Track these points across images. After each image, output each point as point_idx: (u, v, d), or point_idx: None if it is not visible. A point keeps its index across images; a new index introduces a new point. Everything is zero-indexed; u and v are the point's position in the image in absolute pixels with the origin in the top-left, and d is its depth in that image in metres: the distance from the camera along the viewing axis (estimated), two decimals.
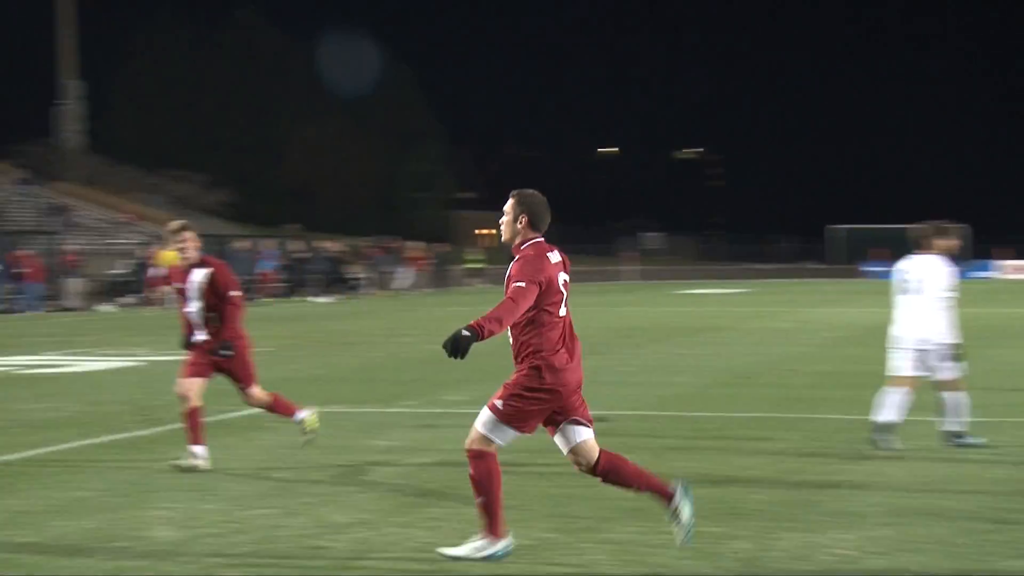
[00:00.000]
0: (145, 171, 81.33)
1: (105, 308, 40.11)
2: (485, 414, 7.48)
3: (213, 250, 49.13)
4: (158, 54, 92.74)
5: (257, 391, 11.26)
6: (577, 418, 7.53)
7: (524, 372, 7.42)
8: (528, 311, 7.33)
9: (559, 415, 7.53)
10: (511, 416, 7.42)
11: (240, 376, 11.16)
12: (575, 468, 7.64)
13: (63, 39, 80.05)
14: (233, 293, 11.01)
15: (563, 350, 7.46)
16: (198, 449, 10.91)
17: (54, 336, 27.91)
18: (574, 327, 7.61)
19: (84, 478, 10.58)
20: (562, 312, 7.50)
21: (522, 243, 7.53)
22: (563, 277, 7.53)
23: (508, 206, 7.59)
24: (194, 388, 10.95)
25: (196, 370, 11.01)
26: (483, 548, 7.54)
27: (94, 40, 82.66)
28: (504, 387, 7.47)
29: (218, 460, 11.11)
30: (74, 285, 41.57)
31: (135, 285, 43.75)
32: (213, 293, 11.00)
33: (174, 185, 79.67)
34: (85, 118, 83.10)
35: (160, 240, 44.23)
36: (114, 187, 78.41)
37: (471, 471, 7.48)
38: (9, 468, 11.15)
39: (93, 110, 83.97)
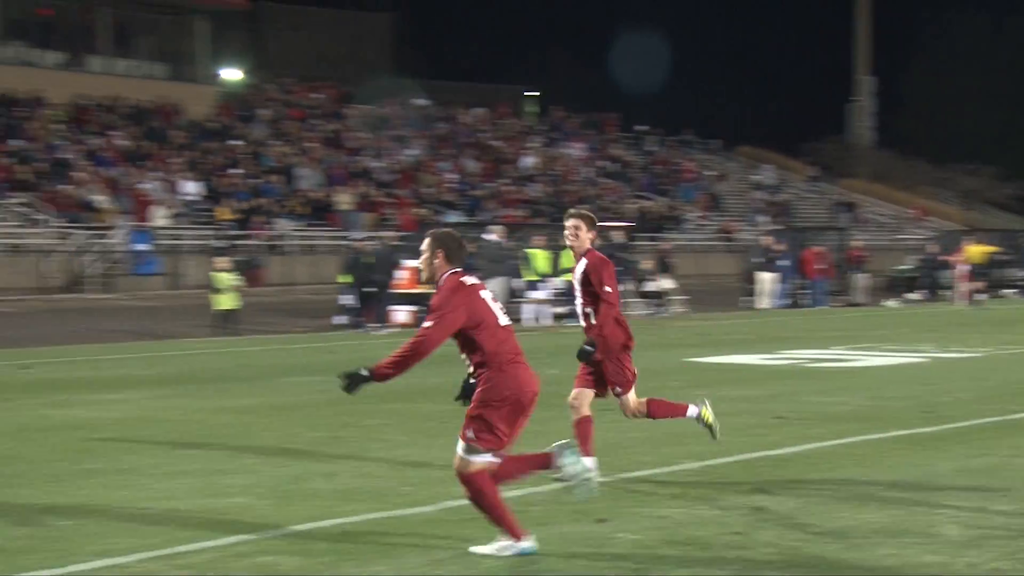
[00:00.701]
0: (934, 165, 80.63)
1: (891, 304, 40.19)
2: (461, 444, 7.84)
3: (1008, 244, 47.77)
4: (951, 44, 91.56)
5: (631, 399, 10.48)
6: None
7: (482, 389, 7.83)
8: (469, 333, 7.82)
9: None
10: (483, 440, 7.81)
11: (613, 380, 10.40)
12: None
13: (860, 36, 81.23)
14: (607, 289, 10.27)
15: (514, 358, 7.92)
16: (587, 460, 10.49)
17: (841, 331, 28.32)
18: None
19: (871, 471, 10.64)
20: (503, 323, 7.98)
21: (441, 276, 7.96)
22: (488, 294, 8.03)
23: (424, 245, 8.04)
24: (581, 398, 10.41)
25: (583, 380, 10.47)
26: (509, 547, 7.89)
27: (888, 35, 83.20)
28: (468, 416, 7.84)
29: (1009, 461, 10.78)
30: (861, 281, 41.98)
31: (923, 281, 43.51)
32: (588, 288, 10.40)
33: (963, 179, 78.32)
34: (875, 114, 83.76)
35: (962, 235, 43.64)
36: (902, 182, 78.40)
37: (467, 493, 7.90)
38: (794, 458, 11.43)
39: (884, 105, 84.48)
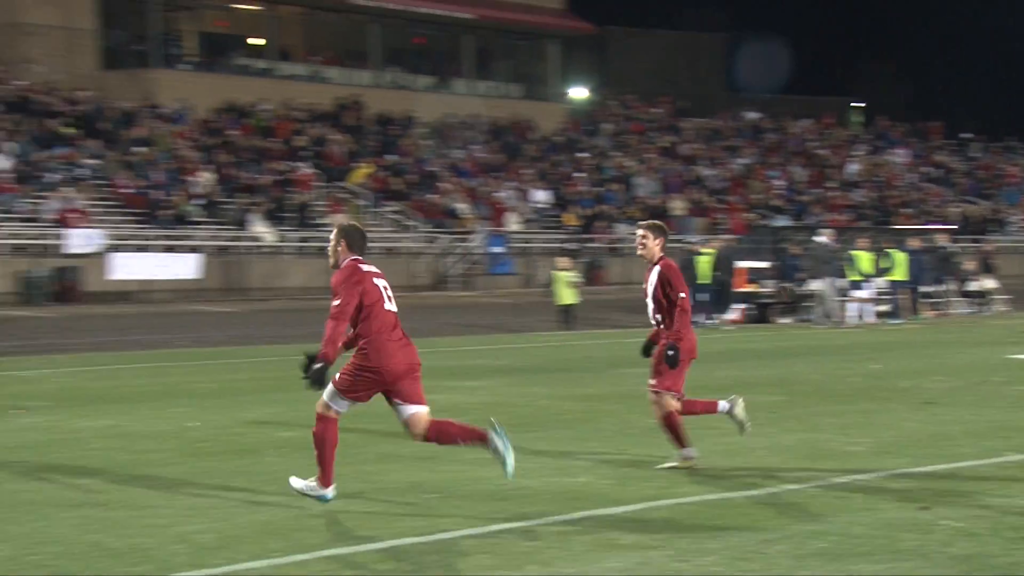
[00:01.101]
0: None
1: None
2: (328, 386, 8.55)
3: None
4: None
5: (668, 402, 10.12)
6: (402, 400, 8.61)
7: (356, 355, 8.56)
8: (360, 314, 8.48)
9: (392, 395, 8.61)
10: (344, 388, 8.56)
11: (659, 371, 10.13)
12: (413, 439, 8.79)
13: None
14: (681, 295, 10.04)
15: (387, 338, 8.52)
16: (685, 451, 10.12)
17: None
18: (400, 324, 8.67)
19: None
20: (386, 307, 8.62)
21: (342, 262, 8.67)
22: (382, 282, 8.70)
23: (332, 236, 8.78)
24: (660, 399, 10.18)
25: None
26: (314, 489, 8.67)
27: None
28: (344, 366, 8.59)
29: None
30: None
31: None
32: (663, 294, 10.10)
33: None
34: None
35: None
36: None
37: (314, 428, 8.66)
38: None
39: None
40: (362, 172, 47.95)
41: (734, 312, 29.79)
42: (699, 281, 28.73)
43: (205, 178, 43.63)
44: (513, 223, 48.45)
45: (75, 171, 41.62)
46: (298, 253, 42.68)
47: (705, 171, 59.00)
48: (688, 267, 29.42)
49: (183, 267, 39.09)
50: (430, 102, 56.08)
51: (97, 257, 37.66)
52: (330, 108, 52.61)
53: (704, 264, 28.86)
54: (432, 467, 10.42)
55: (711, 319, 28.70)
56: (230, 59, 53.84)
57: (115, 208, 41.30)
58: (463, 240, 46.18)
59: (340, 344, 8.47)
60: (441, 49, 60.21)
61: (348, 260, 8.70)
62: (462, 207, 48.10)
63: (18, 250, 37.57)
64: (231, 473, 10.21)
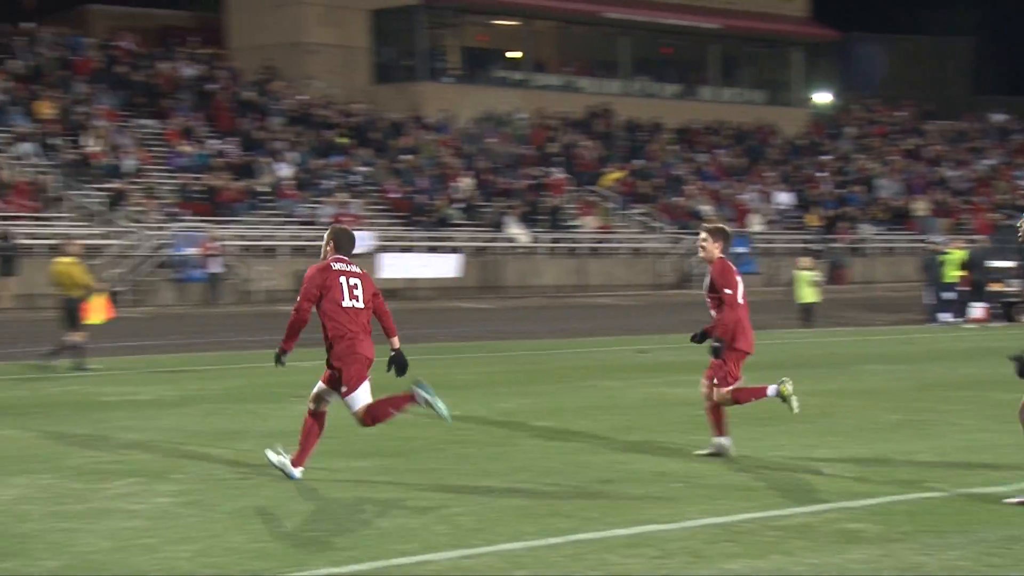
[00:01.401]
0: None
1: None
2: (348, 400, 9.11)
3: None
4: None
5: (722, 393, 10.26)
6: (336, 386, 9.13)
7: (334, 353, 9.04)
8: (320, 308, 9.03)
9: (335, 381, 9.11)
10: (354, 385, 9.08)
11: (713, 373, 10.22)
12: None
13: None
14: (727, 291, 10.02)
15: (350, 328, 9.01)
16: (720, 440, 10.29)
17: None
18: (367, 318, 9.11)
19: None
20: (346, 304, 9.02)
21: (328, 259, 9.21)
22: (352, 281, 9.07)
23: (325, 235, 9.31)
24: (705, 386, 10.33)
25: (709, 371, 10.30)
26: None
27: None
28: (342, 379, 9.07)
29: None
30: None
31: None
32: (713, 291, 10.18)
33: None
34: None
35: None
36: None
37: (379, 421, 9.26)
38: None
39: None
40: (611, 176, 48.05)
41: (979, 311, 28.68)
42: (943, 280, 27.82)
43: (465, 183, 44.44)
44: (756, 224, 47.77)
45: (348, 178, 42.97)
46: (550, 253, 43.05)
47: (949, 172, 56.99)
48: (931, 267, 28.51)
49: (444, 266, 39.88)
50: (676, 109, 55.78)
51: (367, 257, 38.71)
52: (581, 116, 52.87)
53: (949, 264, 27.93)
54: (679, 457, 10.35)
55: (957, 318, 27.75)
56: (489, 72, 54.68)
57: (384, 212, 42.47)
58: None
59: (293, 341, 9.19)
60: (687, 58, 59.80)
61: (330, 258, 9.26)
62: (707, 209, 47.68)
63: (297, 251, 38.99)
64: (489, 459, 10.36)
